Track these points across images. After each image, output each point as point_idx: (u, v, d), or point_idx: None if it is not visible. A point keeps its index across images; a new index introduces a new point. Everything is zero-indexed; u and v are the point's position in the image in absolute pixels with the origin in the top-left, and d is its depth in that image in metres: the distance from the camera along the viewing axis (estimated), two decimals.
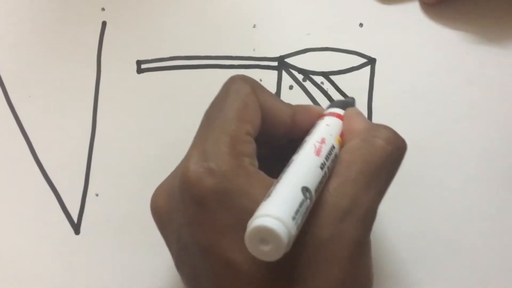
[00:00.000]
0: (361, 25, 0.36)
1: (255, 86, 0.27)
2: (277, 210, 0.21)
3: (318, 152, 0.24)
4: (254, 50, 0.36)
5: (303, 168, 0.24)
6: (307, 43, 0.36)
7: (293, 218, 0.21)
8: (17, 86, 0.37)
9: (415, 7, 0.36)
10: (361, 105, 0.34)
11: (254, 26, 0.37)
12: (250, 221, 0.21)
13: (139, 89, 0.36)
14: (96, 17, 0.38)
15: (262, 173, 0.24)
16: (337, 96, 0.35)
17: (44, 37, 0.38)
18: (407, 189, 0.33)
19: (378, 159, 0.25)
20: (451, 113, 0.34)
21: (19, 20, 0.38)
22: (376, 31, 0.36)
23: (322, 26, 0.36)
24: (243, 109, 0.25)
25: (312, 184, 0.23)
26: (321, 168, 0.24)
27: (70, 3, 0.38)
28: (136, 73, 0.37)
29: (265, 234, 0.20)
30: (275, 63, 0.36)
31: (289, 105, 0.28)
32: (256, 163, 0.25)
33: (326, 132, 0.27)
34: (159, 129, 0.35)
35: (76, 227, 0.34)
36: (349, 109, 0.29)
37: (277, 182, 0.23)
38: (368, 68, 0.35)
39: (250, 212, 0.21)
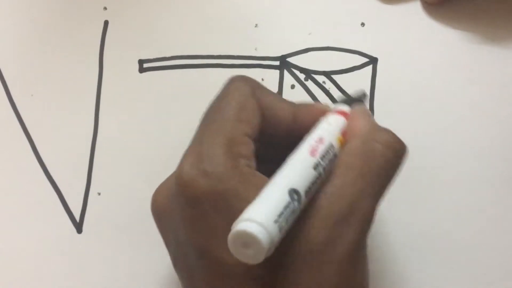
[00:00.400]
0: (363, 24, 0.36)
1: (255, 86, 0.27)
2: (259, 214, 0.20)
3: (313, 152, 0.24)
4: (256, 49, 0.36)
5: (294, 169, 0.23)
6: (309, 43, 0.36)
7: (275, 222, 0.20)
8: (20, 85, 0.37)
9: (417, 7, 0.36)
10: None
11: (256, 26, 0.37)
12: (233, 225, 0.20)
13: (141, 88, 0.36)
14: (98, 16, 0.38)
15: (259, 175, 0.24)
16: (338, 96, 0.35)
17: (47, 36, 0.38)
18: (407, 189, 0.33)
19: (377, 164, 0.24)
20: (452, 113, 0.34)
21: (21, 19, 0.38)
22: (378, 31, 0.36)
23: (324, 25, 0.36)
24: (241, 109, 0.25)
25: (302, 186, 0.22)
26: (315, 168, 0.23)
27: (72, 2, 0.38)
28: (138, 72, 0.37)
29: (246, 239, 0.20)
30: (277, 63, 0.36)
31: (291, 103, 0.28)
32: (254, 164, 0.25)
33: (326, 131, 0.26)
34: (161, 128, 0.35)
35: (78, 226, 0.34)
36: (356, 108, 0.28)
37: (267, 184, 0.22)
38: (370, 67, 0.35)
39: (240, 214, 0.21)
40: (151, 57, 0.37)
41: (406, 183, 0.33)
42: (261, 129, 0.26)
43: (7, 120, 0.36)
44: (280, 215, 0.21)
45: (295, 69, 0.36)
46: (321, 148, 0.24)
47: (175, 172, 0.26)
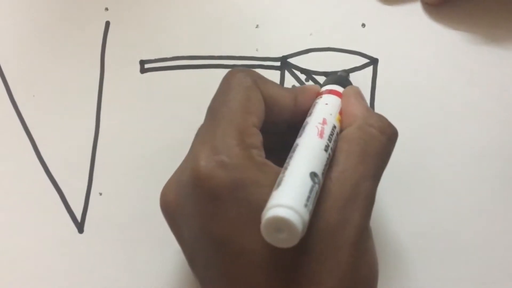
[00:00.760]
0: (363, 25, 0.36)
1: (256, 77, 0.27)
2: (290, 199, 0.21)
3: (321, 134, 0.25)
4: (257, 50, 0.36)
5: (309, 152, 0.24)
6: (309, 43, 0.36)
7: (305, 205, 0.21)
8: (21, 86, 0.37)
9: (417, 8, 0.36)
10: None
11: (257, 26, 0.37)
12: (264, 212, 0.21)
13: (142, 89, 0.36)
14: (99, 17, 0.38)
15: (270, 163, 0.25)
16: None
17: (48, 37, 0.38)
18: (407, 189, 0.33)
19: (374, 149, 0.26)
20: (452, 113, 0.35)
21: (22, 19, 0.38)
22: (378, 32, 0.36)
23: (325, 26, 0.36)
24: (247, 101, 0.26)
25: (319, 168, 0.23)
26: (325, 150, 0.24)
27: (74, 3, 0.38)
28: (139, 72, 0.37)
29: (280, 224, 0.21)
30: (278, 63, 0.36)
31: (290, 89, 0.29)
32: (264, 154, 0.25)
33: (325, 111, 0.27)
34: (162, 128, 0.36)
35: (80, 226, 0.34)
36: (348, 88, 0.30)
37: (285, 169, 0.23)
38: (370, 68, 0.36)
39: (261, 202, 0.22)
40: (153, 58, 0.37)
41: (406, 183, 0.33)
42: (265, 119, 0.27)
43: (9, 121, 0.36)
44: (308, 199, 0.22)
45: (296, 69, 0.36)
46: (326, 130, 0.26)
47: (182, 167, 0.26)
